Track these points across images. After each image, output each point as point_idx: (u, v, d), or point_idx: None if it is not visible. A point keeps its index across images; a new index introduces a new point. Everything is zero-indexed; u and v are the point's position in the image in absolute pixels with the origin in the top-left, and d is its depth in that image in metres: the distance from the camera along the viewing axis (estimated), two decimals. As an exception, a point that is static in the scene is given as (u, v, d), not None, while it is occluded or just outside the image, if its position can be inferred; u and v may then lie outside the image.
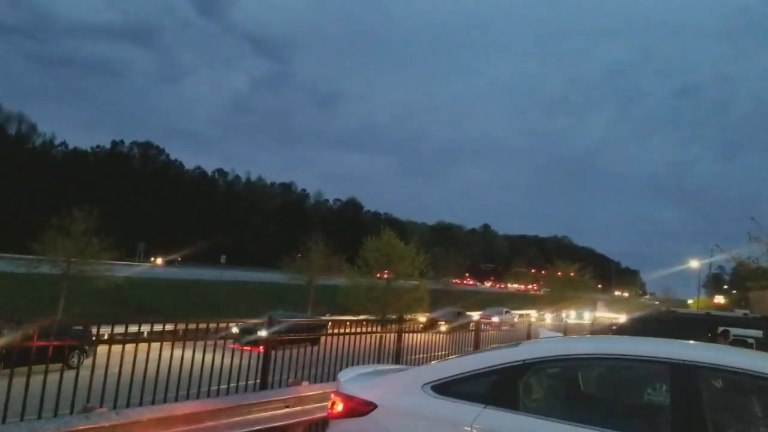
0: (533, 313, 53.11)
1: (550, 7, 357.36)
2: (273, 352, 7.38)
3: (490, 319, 21.34)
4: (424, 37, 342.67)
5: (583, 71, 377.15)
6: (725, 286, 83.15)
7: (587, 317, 54.32)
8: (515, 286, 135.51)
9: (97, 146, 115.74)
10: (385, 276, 40.93)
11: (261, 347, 7.47)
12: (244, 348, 7.35)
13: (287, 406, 6.96)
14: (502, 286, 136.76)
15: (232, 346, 7.38)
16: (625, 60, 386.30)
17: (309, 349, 8.02)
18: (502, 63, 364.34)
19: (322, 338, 8.99)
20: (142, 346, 6.17)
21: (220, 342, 7.44)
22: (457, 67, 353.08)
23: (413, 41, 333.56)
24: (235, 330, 7.77)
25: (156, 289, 47.16)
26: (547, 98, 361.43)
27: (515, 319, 34.91)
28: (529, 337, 17.43)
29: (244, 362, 7.25)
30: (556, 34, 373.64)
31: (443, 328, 12.48)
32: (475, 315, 38.12)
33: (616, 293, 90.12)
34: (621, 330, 10.11)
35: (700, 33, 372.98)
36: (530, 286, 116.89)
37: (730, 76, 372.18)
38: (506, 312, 47.61)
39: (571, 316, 54.64)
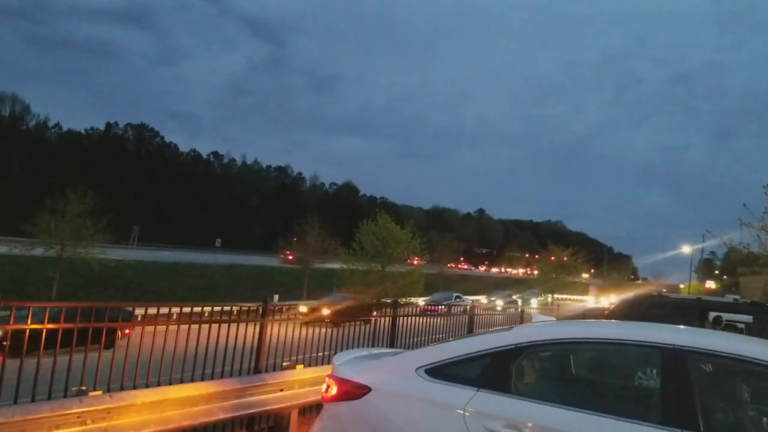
0: (482, 299, 47.82)
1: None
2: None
3: (436, 307, 17.68)
4: (421, 22, 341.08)
5: (578, 57, 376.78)
6: (717, 272, 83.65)
7: (534, 302, 51.32)
8: (509, 270, 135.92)
9: (92, 128, 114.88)
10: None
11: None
12: None
13: (281, 390, 7.00)
14: (503, 270, 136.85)
15: None
16: (619, 46, 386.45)
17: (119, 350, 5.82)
18: (499, 48, 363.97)
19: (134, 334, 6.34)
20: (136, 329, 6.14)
21: None
22: (454, 51, 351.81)
23: (411, 25, 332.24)
24: None
25: (149, 272, 47.07)
26: (543, 84, 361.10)
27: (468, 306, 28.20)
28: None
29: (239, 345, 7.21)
30: (552, 20, 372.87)
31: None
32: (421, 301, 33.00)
33: (585, 275, 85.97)
34: (613, 314, 10.17)
35: (693, 20, 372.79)
36: (526, 270, 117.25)
37: (723, 63, 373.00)
38: (456, 297, 42.69)
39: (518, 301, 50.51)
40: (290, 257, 58.62)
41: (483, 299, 46.67)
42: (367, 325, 9.53)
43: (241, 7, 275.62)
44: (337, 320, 9.39)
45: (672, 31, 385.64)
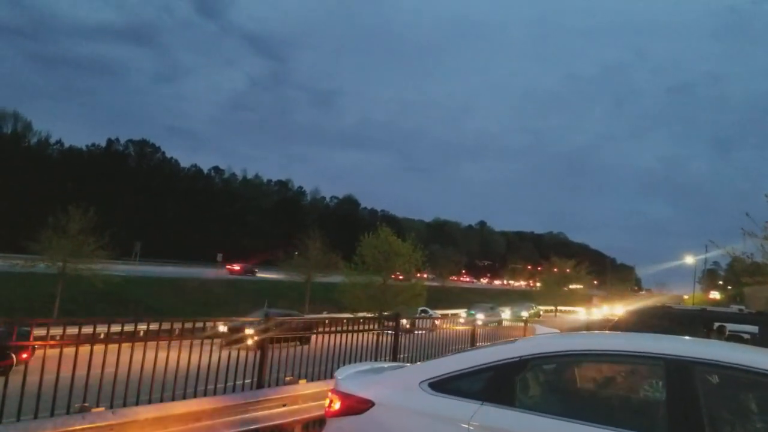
0: (462, 312, 42.48)
1: (545, 7, 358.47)
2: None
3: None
4: (421, 36, 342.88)
5: (578, 70, 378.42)
6: (720, 282, 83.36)
7: (525, 314, 46.80)
8: (511, 282, 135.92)
9: (93, 144, 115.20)
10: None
11: None
12: None
13: (284, 405, 6.96)
14: (506, 283, 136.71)
15: None
16: (618, 58, 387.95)
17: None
18: (499, 61, 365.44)
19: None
20: (138, 345, 6.12)
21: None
22: (453, 65, 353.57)
23: (410, 39, 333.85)
24: None
25: (153, 288, 47.04)
26: (543, 96, 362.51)
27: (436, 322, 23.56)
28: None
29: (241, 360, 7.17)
30: (551, 33, 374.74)
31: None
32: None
33: (578, 285, 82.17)
34: (617, 326, 10.13)
35: (691, 32, 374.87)
36: (528, 282, 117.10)
37: (721, 73, 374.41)
38: (422, 311, 39.37)
39: (506, 313, 48.32)
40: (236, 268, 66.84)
41: (462, 312, 42.22)
42: (305, 347, 8.25)
43: (241, 24, 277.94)
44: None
45: (670, 43, 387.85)
